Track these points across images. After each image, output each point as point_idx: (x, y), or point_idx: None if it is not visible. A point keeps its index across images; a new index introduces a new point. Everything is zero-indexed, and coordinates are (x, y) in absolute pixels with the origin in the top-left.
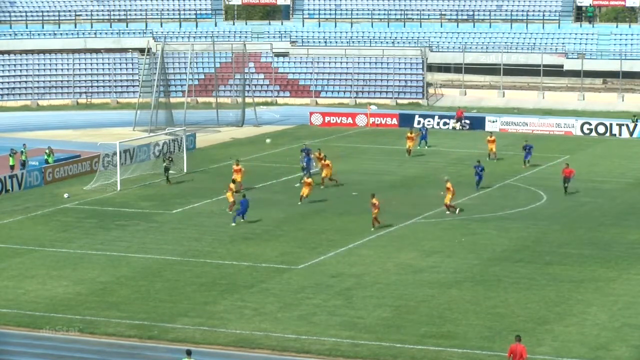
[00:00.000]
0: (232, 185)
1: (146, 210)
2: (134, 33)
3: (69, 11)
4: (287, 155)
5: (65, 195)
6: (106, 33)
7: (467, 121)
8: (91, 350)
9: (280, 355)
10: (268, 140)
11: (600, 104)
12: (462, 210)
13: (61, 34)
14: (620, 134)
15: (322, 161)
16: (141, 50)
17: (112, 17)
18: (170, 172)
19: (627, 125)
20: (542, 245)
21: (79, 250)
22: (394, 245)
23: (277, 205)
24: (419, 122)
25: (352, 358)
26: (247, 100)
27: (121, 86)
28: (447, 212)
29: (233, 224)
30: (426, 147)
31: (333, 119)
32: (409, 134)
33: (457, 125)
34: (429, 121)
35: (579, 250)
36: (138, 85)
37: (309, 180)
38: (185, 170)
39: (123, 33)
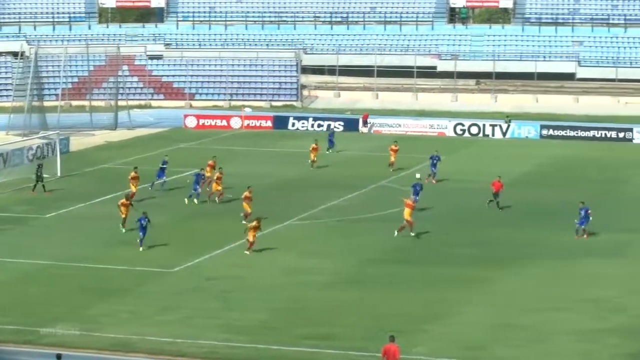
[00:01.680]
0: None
1: (21, 215)
2: (7, 36)
3: None
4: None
5: None
6: None
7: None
8: None
9: (156, 359)
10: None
11: (474, 104)
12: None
13: None
14: (493, 135)
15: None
16: (14, 54)
17: None
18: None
19: (500, 126)
20: (421, 245)
21: None
22: (272, 247)
23: (153, 208)
24: (327, 126)
25: None
26: (121, 103)
27: None
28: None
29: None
30: (328, 152)
31: (207, 122)
32: (393, 147)
33: (365, 129)
34: (303, 123)
35: (457, 250)
36: (11, 90)
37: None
38: (59, 174)
39: None
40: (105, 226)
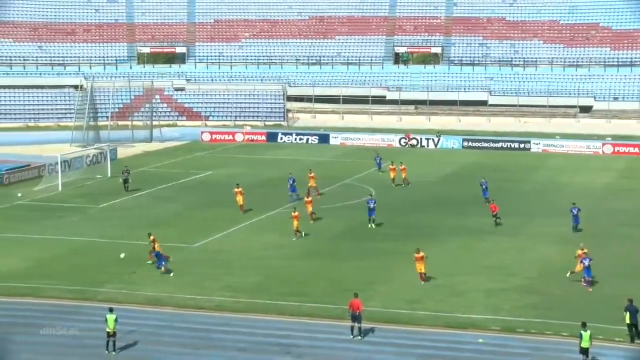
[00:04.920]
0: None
1: (80, 205)
2: (70, 74)
3: (19, 57)
4: (184, 164)
5: (19, 194)
6: (49, 74)
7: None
8: (39, 310)
9: (181, 311)
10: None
11: (413, 123)
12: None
13: (13, 74)
14: (427, 146)
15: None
16: (75, 87)
17: (53, 62)
18: (98, 177)
19: (433, 139)
20: (368, 227)
21: (26, 235)
22: (261, 230)
23: (177, 201)
24: (376, 153)
25: (234, 311)
26: (155, 123)
27: (61, 113)
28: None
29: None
30: (380, 173)
31: (218, 137)
32: (390, 166)
33: (409, 144)
34: (288, 137)
35: (397, 230)
36: (74, 112)
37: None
38: (109, 175)
39: (62, 74)
40: (144, 213)
